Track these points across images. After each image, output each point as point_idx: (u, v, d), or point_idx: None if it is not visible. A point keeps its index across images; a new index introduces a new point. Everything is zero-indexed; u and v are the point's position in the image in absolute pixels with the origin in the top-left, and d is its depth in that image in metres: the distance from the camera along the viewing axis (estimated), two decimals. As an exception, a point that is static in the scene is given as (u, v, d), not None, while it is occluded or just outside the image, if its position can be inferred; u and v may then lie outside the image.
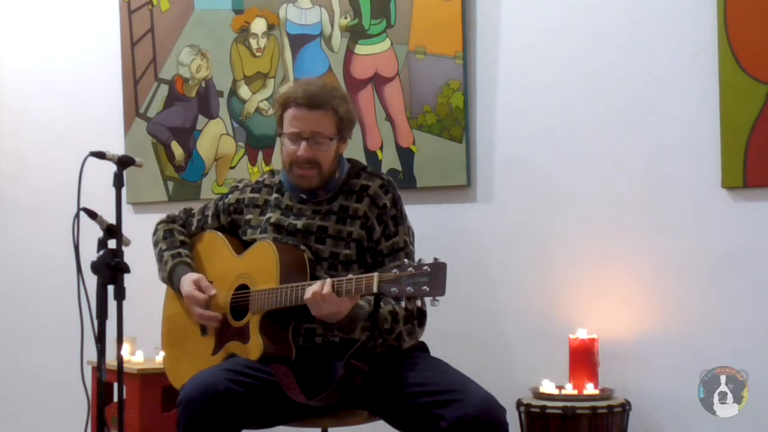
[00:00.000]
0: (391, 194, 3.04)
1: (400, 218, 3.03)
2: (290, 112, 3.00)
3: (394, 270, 2.60)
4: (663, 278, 3.23)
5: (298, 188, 3.06)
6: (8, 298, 4.99)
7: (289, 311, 2.88)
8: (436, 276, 2.54)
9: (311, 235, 3.00)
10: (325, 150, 2.99)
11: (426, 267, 2.55)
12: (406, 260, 2.62)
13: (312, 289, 2.74)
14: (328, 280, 2.73)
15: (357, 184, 3.04)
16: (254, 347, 2.89)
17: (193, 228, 3.26)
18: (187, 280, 3.07)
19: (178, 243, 3.20)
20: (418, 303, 2.90)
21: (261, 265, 2.96)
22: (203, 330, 3.10)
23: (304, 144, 2.97)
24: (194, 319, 3.09)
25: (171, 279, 3.14)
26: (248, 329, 2.93)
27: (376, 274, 2.63)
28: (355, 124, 3.10)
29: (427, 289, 2.54)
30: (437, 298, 2.54)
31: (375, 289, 2.62)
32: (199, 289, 3.04)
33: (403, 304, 2.82)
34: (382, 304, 2.79)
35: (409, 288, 2.56)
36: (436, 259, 2.57)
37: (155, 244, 3.24)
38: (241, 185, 3.23)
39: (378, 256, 2.99)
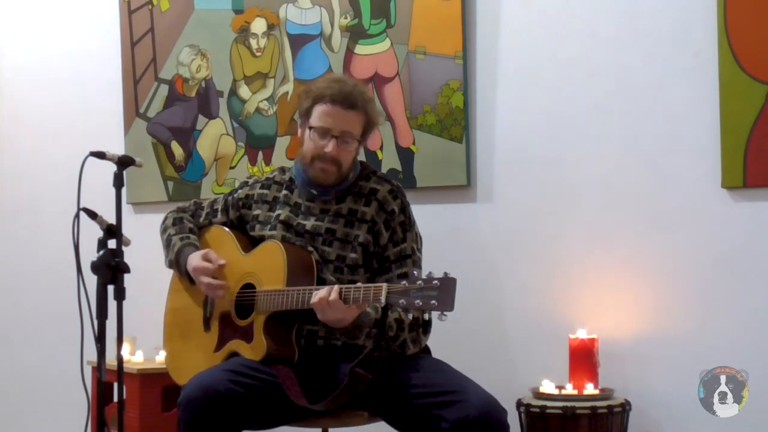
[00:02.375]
0: (400, 200, 3.04)
1: (408, 225, 3.04)
2: (323, 108, 2.99)
3: (403, 282, 2.60)
4: (663, 278, 3.23)
5: (313, 182, 3.05)
6: (8, 298, 4.99)
7: (294, 313, 2.88)
8: (445, 290, 2.54)
9: (319, 237, 3.01)
10: (349, 150, 3.00)
11: (435, 281, 2.55)
12: (415, 272, 2.61)
13: (319, 294, 2.73)
14: (336, 287, 2.73)
15: (366, 188, 3.05)
16: (258, 347, 2.90)
17: (202, 220, 3.25)
18: (195, 256, 3.06)
19: (186, 229, 3.20)
20: (426, 316, 2.90)
21: (268, 265, 2.96)
22: (206, 326, 3.10)
23: (333, 142, 2.97)
24: (202, 315, 3.09)
25: (178, 260, 3.13)
26: (252, 329, 2.93)
27: (384, 285, 2.63)
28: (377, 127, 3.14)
29: (436, 303, 2.54)
30: (445, 313, 2.54)
31: (383, 300, 2.61)
32: (207, 260, 3.03)
33: (410, 316, 2.82)
34: (389, 312, 2.79)
35: (417, 301, 2.56)
36: (446, 273, 2.56)
37: (164, 230, 3.24)
38: (251, 181, 3.23)
39: (385, 262, 2.99)
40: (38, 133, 4.88)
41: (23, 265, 4.93)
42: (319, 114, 3.00)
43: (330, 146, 2.97)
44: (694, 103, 3.16)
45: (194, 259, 3.06)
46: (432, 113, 3.60)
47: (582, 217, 3.38)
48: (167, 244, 3.19)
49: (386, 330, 2.82)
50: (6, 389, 4.97)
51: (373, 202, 3.02)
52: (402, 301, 2.58)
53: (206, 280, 3.02)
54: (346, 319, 2.75)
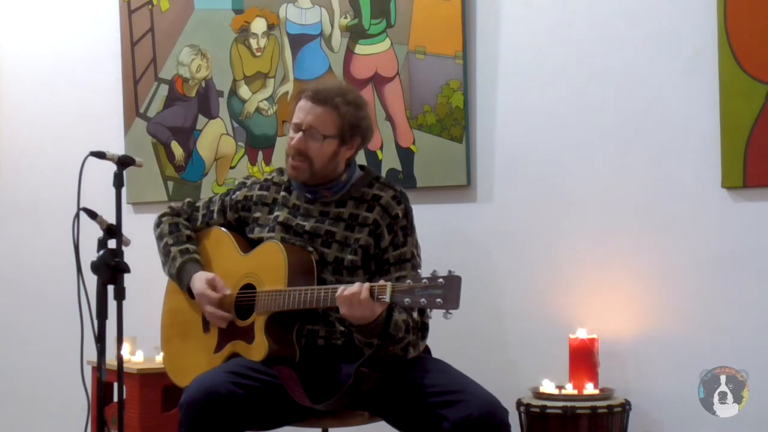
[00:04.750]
0: (404, 205, 3.04)
1: (409, 230, 3.03)
2: (299, 103, 3.03)
3: (408, 280, 2.59)
4: (663, 278, 3.23)
5: (297, 183, 3.05)
6: (8, 298, 4.99)
7: (295, 313, 2.88)
8: (450, 288, 2.53)
9: (318, 238, 3.00)
10: (316, 146, 2.98)
11: (440, 279, 2.54)
12: (420, 271, 2.59)
13: (351, 288, 2.68)
14: (366, 284, 2.68)
15: (369, 194, 3.04)
16: (259, 348, 2.89)
17: (198, 223, 3.23)
18: (201, 279, 3.04)
19: (185, 238, 3.17)
20: (429, 314, 2.88)
21: (268, 265, 2.95)
22: (206, 327, 3.10)
23: (299, 135, 2.98)
24: (201, 316, 3.08)
25: (180, 275, 3.11)
26: (253, 329, 2.93)
27: (389, 284, 2.62)
28: (365, 132, 3.06)
29: (441, 301, 2.53)
30: (451, 311, 2.53)
31: (388, 299, 2.61)
32: (213, 288, 3.02)
33: (415, 315, 2.82)
34: (396, 312, 2.79)
35: (422, 300, 2.55)
36: (450, 271, 2.55)
37: (159, 237, 3.21)
38: (249, 182, 3.21)
39: (384, 265, 2.98)
40: (38, 133, 4.88)
41: (23, 265, 4.93)
42: (295, 110, 3.03)
43: (295, 139, 2.98)
44: (694, 103, 3.16)
45: (199, 283, 3.04)
46: (432, 113, 3.60)
47: (582, 217, 3.38)
48: (166, 254, 3.16)
49: (396, 330, 2.80)
50: (6, 389, 4.98)
51: (376, 208, 3.00)
52: (407, 300, 2.57)
53: (210, 309, 3.01)
54: (368, 317, 2.70)
